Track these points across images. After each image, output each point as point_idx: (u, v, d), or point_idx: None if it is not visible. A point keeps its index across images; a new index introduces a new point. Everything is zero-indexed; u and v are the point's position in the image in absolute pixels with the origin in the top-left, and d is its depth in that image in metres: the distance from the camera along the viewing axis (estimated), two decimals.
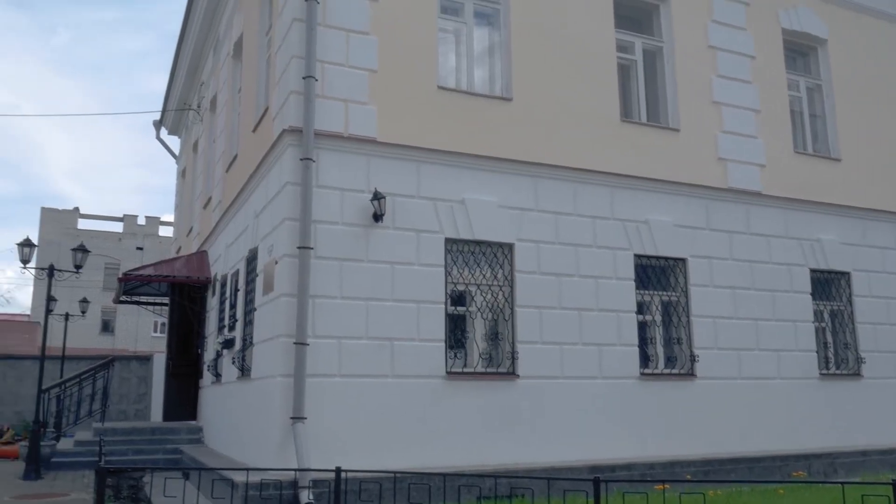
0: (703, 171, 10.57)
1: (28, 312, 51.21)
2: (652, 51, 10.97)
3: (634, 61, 10.78)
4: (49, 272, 12.77)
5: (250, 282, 9.86)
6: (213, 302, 12.89)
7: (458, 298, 9.08)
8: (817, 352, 11.02)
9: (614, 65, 10.27)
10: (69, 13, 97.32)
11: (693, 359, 9.99)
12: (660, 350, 10.05)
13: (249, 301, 9.82)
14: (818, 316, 11.31)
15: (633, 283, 9.84)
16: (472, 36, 9.78)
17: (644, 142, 10.26)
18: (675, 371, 9.99)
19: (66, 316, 22.60)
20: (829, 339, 11.48)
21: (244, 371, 9.65)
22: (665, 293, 10.25)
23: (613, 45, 10.33)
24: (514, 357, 8.94)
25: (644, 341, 9.92)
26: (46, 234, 51.90)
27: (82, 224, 56.51)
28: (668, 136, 10.50)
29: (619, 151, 9.99)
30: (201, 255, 14.21)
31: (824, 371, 11.06)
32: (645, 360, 9.85)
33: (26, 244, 12.60)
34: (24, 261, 12.55)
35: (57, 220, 54.65)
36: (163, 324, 45.42)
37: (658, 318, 10.15)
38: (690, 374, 9.95)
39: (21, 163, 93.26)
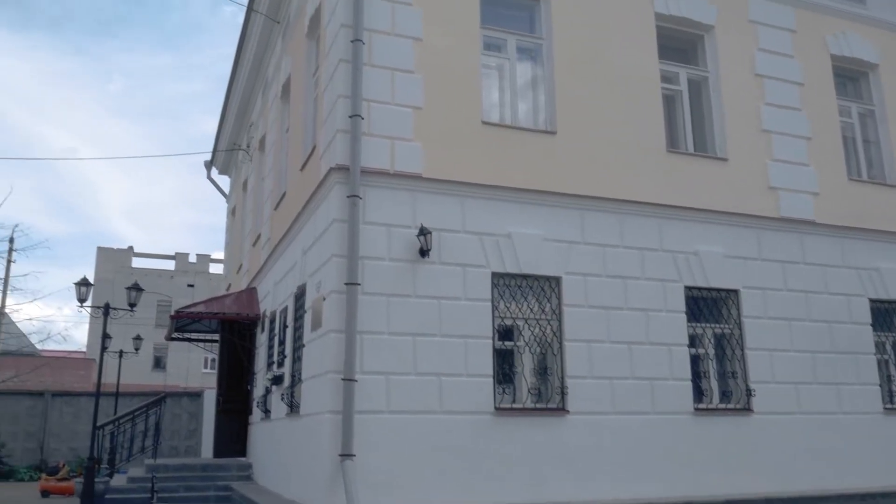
0: (754, 200, 10.38)
1: (84, 349, 52.43)
2: (697, 80, 10.89)
3: (679, 91, 10.70)
4: (105, 311, 13.10)
5: (299, 318, 9.95)
6: (262, 338, 13.04)
7: (505, 333, 9.01)
8: (880, 385, 10.62)
9: (659, 95, 10.21)
10: (124, 60, 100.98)
11: (749, 393, 9.71)
12: (714, 384, 9.81)
13: (298, 337, 9.89)
14: (880, 348, 10.92)
15: (684, 316, 9.65)
16: (515, 71, 9.84)
17: (692, 172, 10.14)
18: (730, 406, 9.72)
19: (121, 353, 23.06)
20: (893, 371, 11.06)
21: (293, 407, 9.69)
22: (717, 325, 10.03)
23: (658, 76, 10.28)
24: (563, 392, 8.81)
25: (697, 375, 9.69)
26: (102, 272, 53.34)
27: (136, 262, 57.96)
28: (717, 165, 10.36)
29: (666, 182, 9.89)
30: (251, 292, 14.41)
31: (888, 405, 10.64)
32: (699, 394, 9.61)
33: (83, 283, 12.97)
34: (81, 300, 12.91)
35: (112, 258, 56.15)
36: (213, 360, 46.02)
37: (711, 351, 9.92)
38: (747, 409, 9.66)
39: (79, 204, 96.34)
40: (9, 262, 30.35)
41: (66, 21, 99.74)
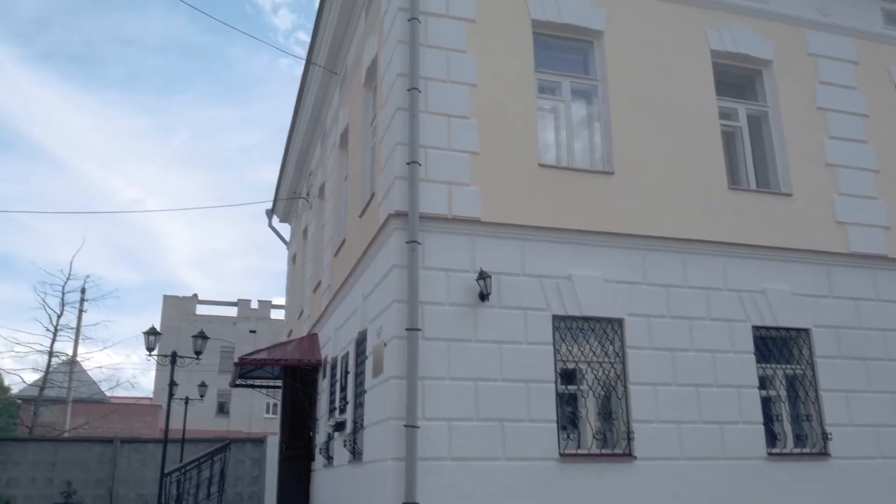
0: (821, 235, 10.09)
1: (151, 395, 53.60)
2: (757, 116, 10.73)
3: (739, 127, 10.55)
4: (172, 359, 13.42)
5: (360, 364, 9.99)
6: (323, 384, 13.12)
7: (568, 376, 8.88)
8: None
9: (718, 132, 10.08)
10: (187, 114, 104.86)
11: (825, 436, 9.32)
12: (787, 428, 9.44)
13: (359, 383, 9.92)
14: None
15: (752, 357, 9.36)
16: (570, 112, 9.86)
17: (755, 208, 9.93)
18: (805, 450, 9.34)
19: (186, 400, 23.50)
20: None
21: (355, 454, 9.68)
22: (789, 366, 9.69)
23: (716, 113, 10.17)
24: (629, 437, 8.60)
25: (769, 418, 9.35)
26: (168, 319, 54.69)
27: (200, 309, 59.27)
28: (781, 201, 10.13)
29: (728, 219, 9.70)
30: (312, 338, 14.56)
31: None
32: (772, 438, 9.26)
33: (152, 333, 13.33)
34: (150, 348, 13.25)
35: (177, 306, 57.55)
36: (275, 405, 46.50)
37: (783, 393, 9.58)
38: (823, 454, 9.26)
39: (145, 253, 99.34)
40: (80, 312, 31.44)
41: (135, 80, 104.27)
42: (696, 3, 10.46)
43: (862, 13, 11.39)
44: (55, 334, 29.61)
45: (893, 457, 9.50)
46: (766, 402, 9.42)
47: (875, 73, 11.19)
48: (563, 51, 10.04)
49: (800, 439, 9.44)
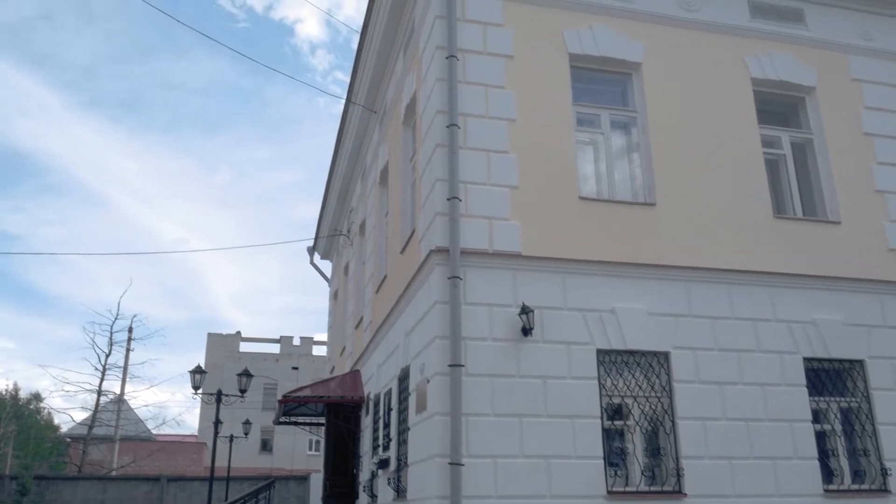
0: (872, 264, 9.82)
1: (196, 433, 54.04)
2: (801, 143, 10.57)
3: (783, 155, 10.40)
4: (217, 397, 13.53)
5: (403, 401, 9.95)
6: (366, 421, 13.08)
7: (614, 412, 8.72)
8: None
9: (761, 160, 9.94)
10: (229, 154, 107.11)
11: (884, 472, 8.98)
12: (844, 463, 9.12)
13: (403, 420, 9.88)
14: None
15: (805, 390, 9.09)
16: (609, 144, 9.83)
17: (802, 237, 9.73)
18: (864, 487, 8.99)
19: (231, 438, 23.63)
20: None
21: (400, 492, 9.60)
22: (843, 399, 9.39)
23: (758, 141, 10.03)
24: (679, 474, 8.38)
25: (825, 453, 9.04)
26: (212, 357, 55.30)
27: (243, 347, 59.85)
28: (829, 229, 9.91)
29: (775, 249, 9.51)
30: (355, 375, 14.58)
31: None
32: (828, 474, 8.95)
33: (197, 371, 13.47)
34: (196, 387, 13.38)
35: (221, 344, 58.22)
36: (317, 442, 46.51)
37: (838, 427, 9.27)
38: (883, 490, 8.91)
39: (190, 292, 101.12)
40: (128, 351, 31.99)
41: (179, 122, 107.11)
42: (734, 31, 10.41)
43: None
44: (103, 373, 30.16)
45: None
46: (821, 437, 9.13)
47: None
48: (601, 83, 10.05)
49: (857, 475, 9.10)
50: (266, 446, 56.11)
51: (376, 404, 12.10)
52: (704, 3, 10.40)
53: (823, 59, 10.72)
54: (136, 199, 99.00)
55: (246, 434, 29.40)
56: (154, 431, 38.65)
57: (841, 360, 9.44)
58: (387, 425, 11.04)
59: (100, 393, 30.13)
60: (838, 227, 9.92)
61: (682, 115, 9.80)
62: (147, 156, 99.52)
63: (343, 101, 14.73)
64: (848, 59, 10.83)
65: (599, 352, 8.62)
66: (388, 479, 10.25)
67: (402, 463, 9.71)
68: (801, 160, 10.54)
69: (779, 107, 10.72)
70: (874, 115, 10.59)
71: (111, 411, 32.27)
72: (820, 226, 9.96)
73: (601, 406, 8.44)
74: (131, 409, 37.00)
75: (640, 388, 8.76)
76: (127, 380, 32.15)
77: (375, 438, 11.99)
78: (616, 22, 9.98)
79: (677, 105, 9.84)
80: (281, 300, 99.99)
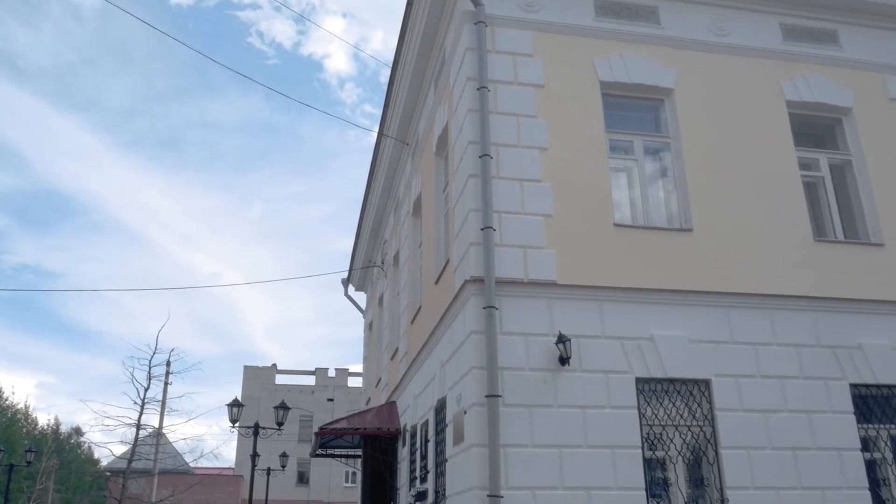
0: None
1: (232, 466, 54.20)
2: (840, 165, 10.41)
3: (821, 178, 10.25)
4: (254, 430, 13.56)
5: (440, 432, 9.88)
6: (403, 453, 13.01)
7: (654, 441, 8.55)
8: None
9: (799, 183, 9.79)
10: (263, 190, 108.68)
11: None
12: None
13: (440, 452, 9.80)
14: None
15: (852, 417, 8.85)
16: (643, 171, 9.78)
17: (844, 260, 9.53)
18: None
19: (268, 471, 23.65)
20: None
21: None
22: (893, 426, 9.11)
23: (795, 164, 9.90)
24: None
25: (875, 483, 8.76)
26: (248, 389, 55.63)
27: (279, 379, 60.15)
28: (871, 251, 9.70)
29: (816, 273, 9.33)
30: (391, 406, 14.52)
31: None
32: None
33: (235, 405, 13.54)
34: (233, 420, 13.43)
35: (257, 376, 58.57)
36: (354, 474, 46.30)
37: (889, 455, 8.99)
38: None
39: (226, 325, 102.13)
40: (166, 384, 32.28)
41: (215, 160, 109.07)
42: (767, 55, 10.34)
43: None
44: (142, 407, 30.37)
45: None
46: (871, 466, 8.86)
47: None
48: (634, 110, 10.02)
49: None
50: (303, 479, 56.06)
51: (413, 436, 12.02)
52: (735, 27, 10.37)
53: (859, 79, 10.58)
54: (173, 236, 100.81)
55: (283, 467, 29.41)
56: (192, 465, 38.77)
57: (890, 386, 9.17)
58: (424, 457, 10.96)
59: (139, 427, 30.32)
60: (882, 249, 9.71)
61: (717, 140, 9.72)
62: (183, 193, 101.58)
63: (375, 134, 14.89)
64: (885, 79, 10.68)
65: (638, 380, 8.49)
66: None
67: (440, 495, 9.61)
68: (841, 182, 10.37)
69: (815, 129, 10.59)
70: None
71: (150, 445, 32.49)
72: (862, 248, 9.76)
73: (642, 436, 8.29)
74: (169, 443, 37.21)
75: (682, 416, 8.59)
76: (165, 413, 32.38)
77: (412, 470, 11.90)
78: (647, 48, 9.99)
79: (711, 130, 9.77)
80: (316, 332, 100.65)
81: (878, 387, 9.14)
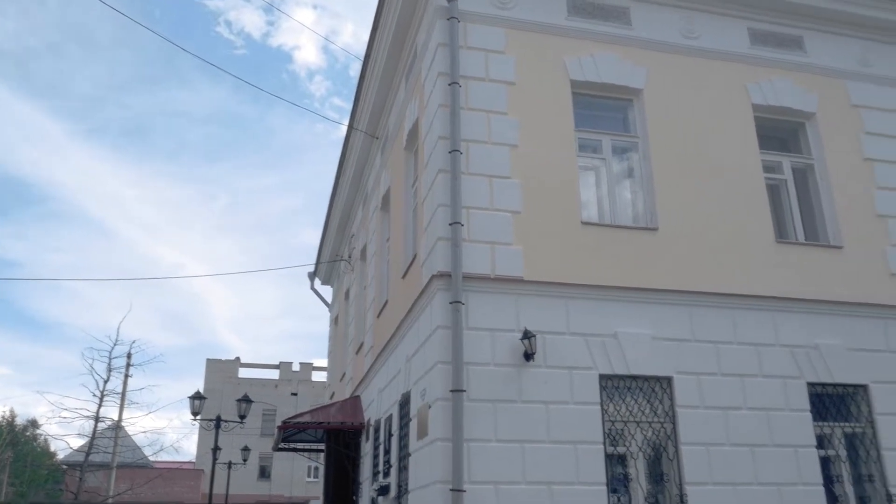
0: (875, 288, 9.81)
1: (193, 460, 53.59)
2: (802, 168, 10.61)
3: (784, 180, 10.44)
4: (216, 423, 13.43)
5: (404, 426, 9.88)
6: (367, 447, 12.99)
7: (616, 437, 8.65)
8: None
9: (763, 186, 9.97)
10: (230, 181, 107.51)
11: (890, 498, 8.89)
12: (849, 489, 9.04)
13: (403, 446, 9.80)
14: None
15: (809, 415, 9.04)
16: (611, 170, 9.87)
17: (804, 262, 9.73)
18: None
19: (230, 464, 23.44)
20: None
21: None
22: (847, 424, 9.33)
23: (760, 167, 10.07)
24: (682, 500, 8.30)
25: (829, 479, 8.96)
26: (210, 383, 55.07)
27: (242, 372, 59.63)
28: (831, 254, 9.92)
29: (777, 274, 9.51)
30: (355, 401, 14.49)
31: None
32: (833, 500, 8.86)
33: (197, 397, 13.38)
34: (195, 413, 13.28)
35: (220, 369, 58.00)
36: (316, 468, 46.09)
37: (843, 452, 9.21)
38: None
39: (189, 318, 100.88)
40: (126, 377, 31.82)
41: (181, 151, 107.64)
42: (735, 58, 10.50)
43: None
44: (101, 400, 29.93)
45: None
46: (826, 462, 9.06)
47: None
48: (603, 109, 10.11)
49: (863, 501, 9.03)
50: (264, 473, 55.65)
51: (377, 430, 12.01)
52: (705, 30, 10.51)
53: (823, 85, 10.80)
54: (137, 226, 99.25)
55: (245, 461, 29.15)
56: (151, 458, 38.26)
57: (845, 385, 9.39)
58: (387, 451, 10.96)
59: (97, 419, 29.89)
60: (840, 252, 9.93)
61: (684, 141, 9.85)
62: (148, 183, 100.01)
63: (345, 128, 14.82)
64: (847, 85, 10.91)
65: (602, 377, 8.58)
66: None
67: (402, 489, 9.62)
68: (803, 185, 10.58)
69: (780, 132, 10.78)
70: (874, 140, 10.65)
71: (108, 437, 31.99)
72: (822, 250, 9.97)
73: (604, 431, 8.38)
74: (128, 436, 36.70)
75: (643, 413, 8.70)
76: (125, 406, 31.91)
77: (376, 465, 11.89)
78: (618, 49, 10.08)
79: (679, 131, 9.90)
80: (280, 326, 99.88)
81: (834, 385, 9.35)
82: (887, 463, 9.06)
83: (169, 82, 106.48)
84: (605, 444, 8.33)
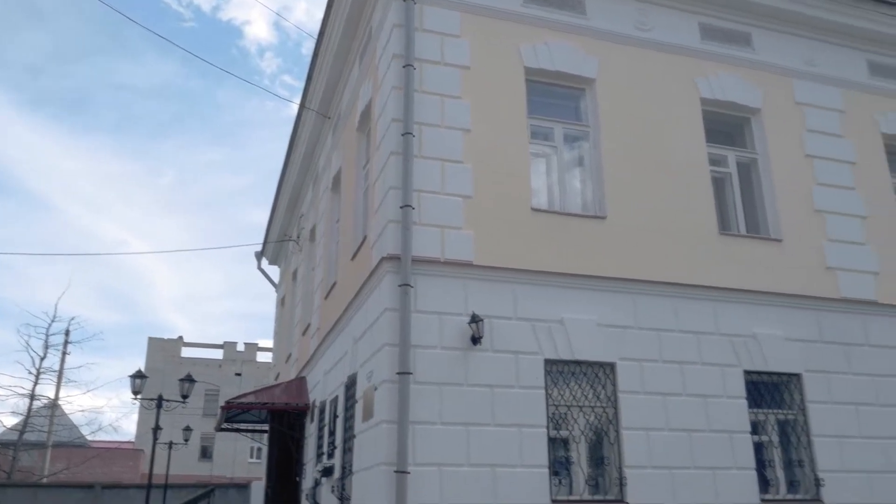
0: (811, 281, 10.15)
1: (133, 440, 52.65)
2: (746, 163, 10.87)
3: (729, 174, 10.68)
4: (158, 403, 13.22)
5: (349, 408, 9.88)
6: (311, 428, 12.95)
7: (559, 421, 8.80)
8: None
9: (708, 178, 10.19)
10: (176, 157, 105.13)
11: (818, 482, 9.25)
12: (780, 474, 9.37)
13: (349, 428, 9.80)
14: None
15: (744, 402, 9.33)
16: (562, 158, 9.97)
17: (745, 254, 10.00)
18: (798, 496, 9.26)
19: (170, 444, 23.10)
20: None
21: (343, 500, 9.52)
22: (781, 411, 9.66)
23: (706, 159, 10.29)
24: (622, 483, 8.50)
25: (762, 464, 9.28)
26: (152, 362, 54.10)
27: (185, 352, 58.70)
28: (771, 247, 10.21)
29: (719, 265, 9.75)
30: (300, 382, 14.41)
31: None
32: (765, 484, 9.19)
33: (138, 376, 13.14)
34: (136, 392, 13.05)
35: (162, 349, 57.00)
36: (259, 449, 45.78)
37: (775, 438, 9.53)
38: (816, 500, 9.19)
39: (131, 296, 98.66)
40: (64, 354, 31.04)
41: (126, 124, 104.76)
42: (686, 52, 10.68)
43: (847, 63, 11.64)
44: (37, 377, 29.18)
45: (886, 503, 9.42)
46: (759, 448, 9.37)
47: (861, 122, 11.39)
48: (556, 97, 10.18)
49: (793, 485, 9.37)
50: (206, 454, 55.01)
51: (322, 412, 11.98)
52: (657, 23, 10.65)
53: (769, 81, 11.06)
54: (78, 201, 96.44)
55: (186, 441, 28.79)
56: (89, 438, 37.47)
57: (779, 374, 9.71)
58: (332, 433, 10.94)
59: (32, 397, 29.15)
60: (780, 245, 10.23)
61: (634, 132, 9.99)
62: (91, 157, 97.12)
63: (296, 106, 14.64)
64: (792, 83, 11.19)
65: (547, 361, 8.70)
66: (332, 486, 10.16)
67: (346, 471, 9.63)
68: (746, 179, 10.83)
69: (726, 126, 11.01)
70: (815, 138, 10.96)
71: (44, 416, 31.21)
72: (762, 243, 10.25)
73: (547, 415, 8.51)
74: (65, 415, 35.85)
75: (587, 398, 8.86)
76: (62, 384, 31.15)
77: (320, 446, 11.87)
78: (572, 38, 10.15)
79: (629, 121, 10.03)
80: (225, 305, 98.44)
81: (769, 374, 9.66)
82: (817, 449, 9.42)
83: (114, 54, 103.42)
84: (548, 427, 8.46)
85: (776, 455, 9.46)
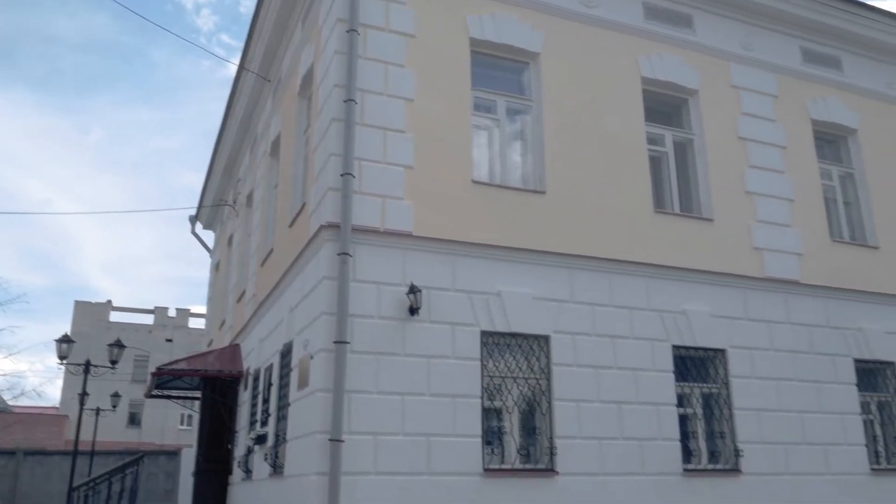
0: (739, 260, 10.49)
1: (57, 405, 51.30)
2: (683, 143, 11.10)
3: (666, 153, 10.89)
4: (85, 368, 12.88)
5: (284, 376, 9.81)
6: (244, 396, 12.82)
7: (494, 392, 8.93)
8: (866, 445, 10.59)
9: (646, 157, 10.38)
10: (105, 115, 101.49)
11: (737, 453, 9.65)
12: (703, 444, 9.74)
13: (283, 396, 9.75)
14: (865, 408, 10.94)
15: (672, 376, 9.63)
16: (504, 131, 10.00)
17: (678, 232, 10.25)
18: (718, 466, 9.65)
19: (97, 411, 22.58)
20: (878, 431, 11.06)
21: (276, 468, 9.49)
22: (705, 385, 10.01)
23: (644, 138, 10.47)
24: (552, 452, 8.70)
25: (686, 435, 9.62)
26: (79, 326, 52.58)
27: (114, 317, 57.25)
28: (702, 226, 10.49)
29: (653, 242, 9.98)
30: (234, 349, 14.23)
31: (875, 466, 10.61)
32: (688, 455, 9.53)
33: (65, 340, 12.75)
34: (62, 356, 12.67)
35: (90, 312, 55.44)
36: (189, 416, 45.19)
37: (699, 411, 9.88)
38: (735, 470, 9.59)
39: (56, 257, 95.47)
40: None
41: (54, 78, 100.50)
42: (629, 31, 10.79)
43: (781, 49, 11.96)
44: None
45: (801, 473, 9.92)
46: (684, 420, 9.70)
47: (793, 107, 11.75)
48: (500, 70, 10.17)
49: (714, 456, 9.74)
50: (134, 420, 54.03)
51: (256, 379, 11.87)
52: (603, 0, 10.71)
53: (707, 64, 11.28)
54: (1, 157, 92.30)
55: (114, 407, 28.17)
56: (10, 403, 36.35)
57: (706, 349, 10.05)
58: (266, 401, 10.86)
59: None
60: (711, 224, 10.52)
61: (575, 108, 10.08)
62: (14, 111, 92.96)
63: (234, 67, 14.25)
64: (729, 67, 11.44)
65: (483, 333, 8.79)
66: (265, 454, 10.11)
67: (280, 439, 9.59)
68: (682, 159, 11.07)
69: (664, 106, 11.20)
70: (749, 121, 11.26)
71: None
72: (695, 222, 10.52)
73: (482, 386, 8.62)
74: None
75: (521, 369, 9.01)
76: None
77: (253, 414, 11.77)
78: (518, 11, 10.13)
79: (571, 97, 10.11)
80: (157, 270, 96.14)
81: (696, 349, 9.99)
82: (738, 421, 9.81)
83: (43, 4, 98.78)
84: (482, 398, 8.58)
85: (699, 427, 9.81)
